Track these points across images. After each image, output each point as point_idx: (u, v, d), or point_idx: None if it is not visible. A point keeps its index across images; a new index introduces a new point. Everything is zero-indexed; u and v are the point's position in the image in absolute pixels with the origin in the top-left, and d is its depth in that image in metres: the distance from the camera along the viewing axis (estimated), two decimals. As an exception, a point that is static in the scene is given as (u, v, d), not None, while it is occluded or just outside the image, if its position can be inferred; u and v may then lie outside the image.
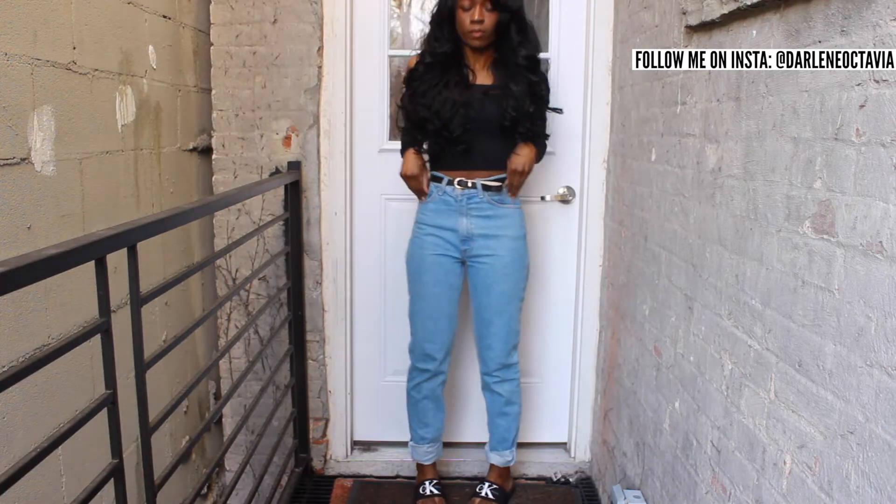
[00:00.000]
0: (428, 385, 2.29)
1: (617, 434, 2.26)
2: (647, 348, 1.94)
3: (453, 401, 2.67)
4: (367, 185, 2.56)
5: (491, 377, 2.27)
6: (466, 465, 2.62)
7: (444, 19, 2.09)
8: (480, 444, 2.57)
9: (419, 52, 2.16)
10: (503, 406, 2.30)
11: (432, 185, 2.20)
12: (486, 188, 2.16)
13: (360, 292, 2.61)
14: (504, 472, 2.41)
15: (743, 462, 1.33)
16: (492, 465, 2.40)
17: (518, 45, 2.08)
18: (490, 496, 2.35)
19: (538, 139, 2.20)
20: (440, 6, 2.10)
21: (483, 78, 2.15)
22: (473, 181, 2.15)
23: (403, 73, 2.21)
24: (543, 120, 2.19)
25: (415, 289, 2.24)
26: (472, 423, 2.66)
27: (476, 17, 2.02)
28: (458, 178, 2.15)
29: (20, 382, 0.93)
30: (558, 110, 2.24)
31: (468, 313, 2.33)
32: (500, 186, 2.17)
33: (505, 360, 2.25)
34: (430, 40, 2.13)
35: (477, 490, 2.38)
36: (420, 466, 2.43)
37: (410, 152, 2.20)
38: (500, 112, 2.09)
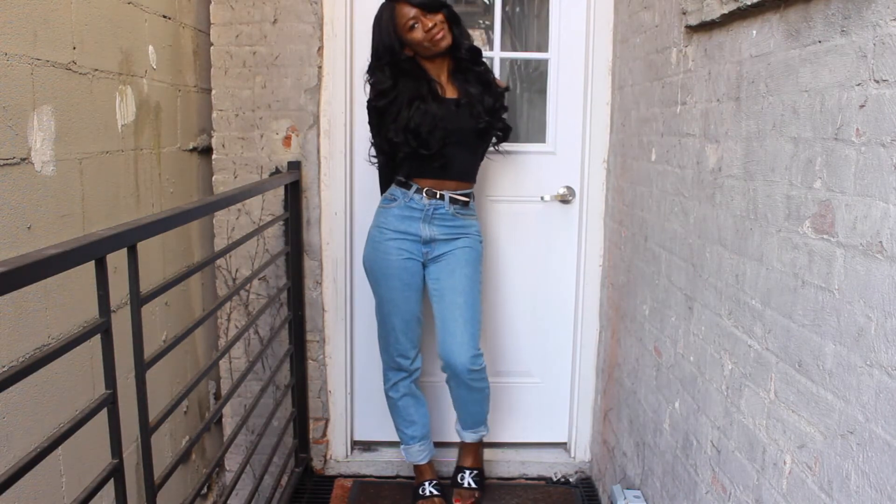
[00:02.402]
0: (404, 383, 2.31)
1: (617, 434, 2.26)
2: (647, 348, 1.94)
3: (448, 401, 2.67)
4: (367, 185, 2.55)
5: (464, 371, 2.17)
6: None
7: (383, 57, 2.07)
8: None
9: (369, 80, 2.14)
10: (476, 394, 2.27)
11: (398, 189, 2.19)
12: (453, 201, 2.18)
13: (360, 292, 2.61)
14: (478, 448, 2.41)
15: (743, 462, 1.33)
16: (466, 444, 2.38)
17: (459, 40, 2.11)
18: (473, 485, 2.35)
19: (507, 133, 2.25)
20: (376, 47, 2.09)
21: (450, 91, 2.17)
22: (442, 192, 2.16)
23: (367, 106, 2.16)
24: (506, 109, 2.23)
25: (382, 293, 2.23)
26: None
27: (429, 26, 2.03)
28: (426, 188, 2.15)
29: (20, 382, 0.93)
30: (506, 88, 2.26)
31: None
32: (468, 202, 2.20)
33: (475, 350, 2.19)
34: (376, 82, 2.10)
35: (458, 480, 2.36)
36: (417, 468, 2.41)
37: None
38: (475, 120, 2.12)
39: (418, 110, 2.07)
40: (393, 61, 2.08)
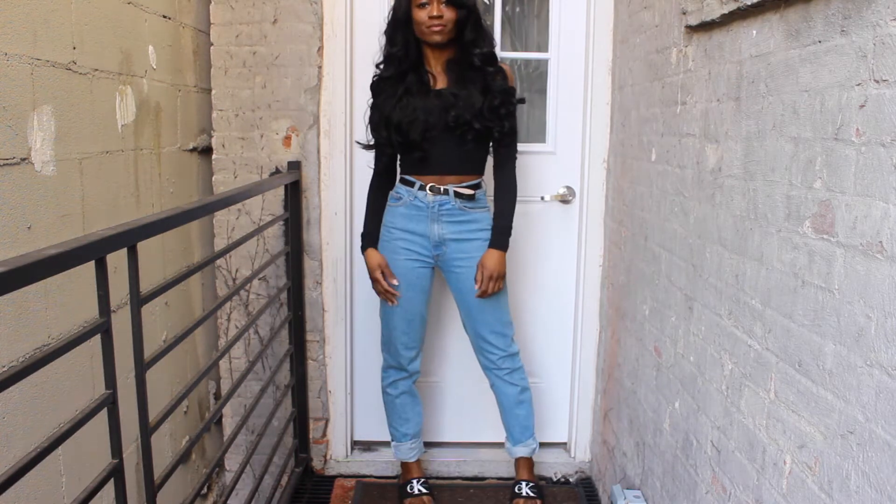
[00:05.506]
0: (403, 382, 2.33)
1: (617, 434, 2.26)
2: (647, 348, 1.94)
3: (452, 400, 2.67)
4: (367, 185, 2.54)
5: (499, 370, 2.27)
6: (467, 465, 2.62)
7: (399, 24, 2.07)
8: (479, 445, 2.58)
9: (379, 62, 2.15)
10: (519, 395, 2.31)
11: (403, 188, 2.17)
12: (457, 195, 2.14)
13: (360, 292, 2.61)
14: (531, 465, 2.41)
15: (743, 462, 1.33)
16: (520, 460, 2.38)
17: (472, 44, 2.07)
18: (531, 494, 2.34)
19: (506, 139, 2.14)
20: (395, 11, 2.09)
21: (442, 82, 2.13)
22: (445, 187, 2.13)
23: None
24: (511, 115, 2.12)
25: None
26: (470, 423, 2.66)
27: (434, 13, 2.00)
28: (430, 184, 2.13)
29: (20, 382, 0.93)
30: (521, 101, 2.19)
31: (454, 313, 2.32)
32: (473, 195, 2.16)
33: (506, 350, 2.25)
34: (387, 46, 2.12)
35: (516, 490, 2.36)
36: (405, 465, 2.43)
37: (370, 251, 2.20)
38: (447, 114, 2.07)
39: (399, 102, 2.07)
40: (405, 39, 2.07)
